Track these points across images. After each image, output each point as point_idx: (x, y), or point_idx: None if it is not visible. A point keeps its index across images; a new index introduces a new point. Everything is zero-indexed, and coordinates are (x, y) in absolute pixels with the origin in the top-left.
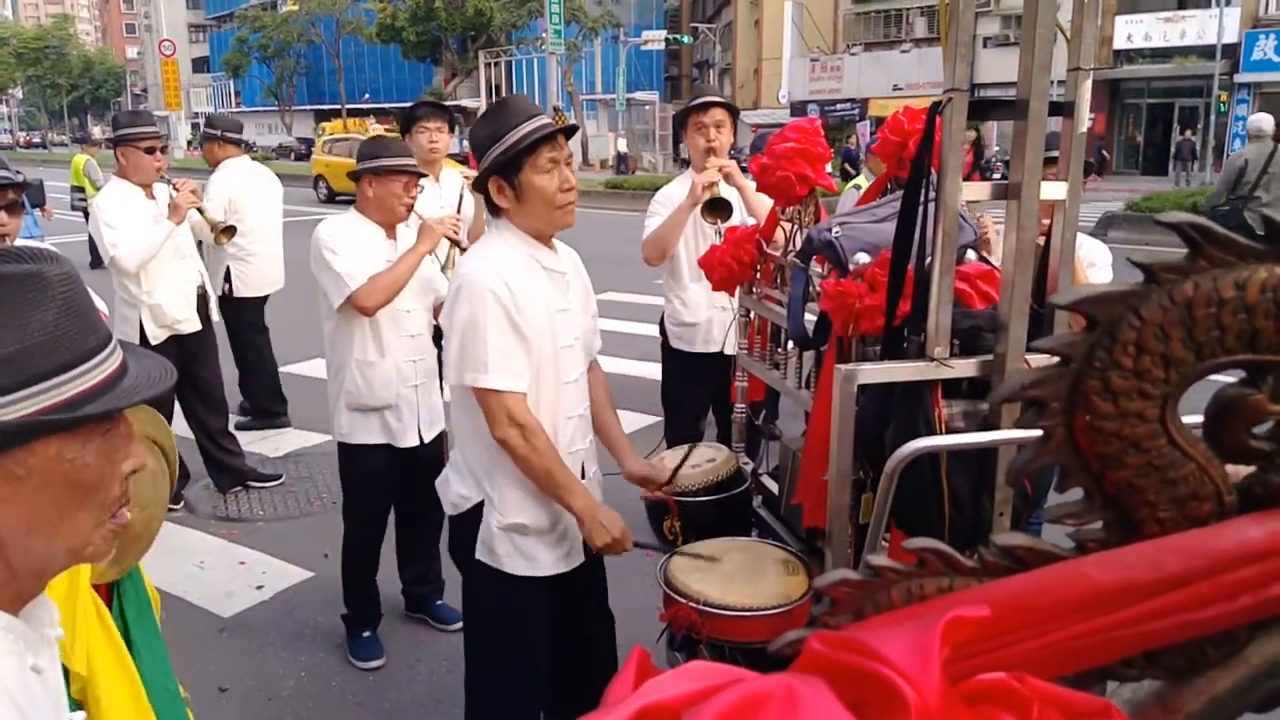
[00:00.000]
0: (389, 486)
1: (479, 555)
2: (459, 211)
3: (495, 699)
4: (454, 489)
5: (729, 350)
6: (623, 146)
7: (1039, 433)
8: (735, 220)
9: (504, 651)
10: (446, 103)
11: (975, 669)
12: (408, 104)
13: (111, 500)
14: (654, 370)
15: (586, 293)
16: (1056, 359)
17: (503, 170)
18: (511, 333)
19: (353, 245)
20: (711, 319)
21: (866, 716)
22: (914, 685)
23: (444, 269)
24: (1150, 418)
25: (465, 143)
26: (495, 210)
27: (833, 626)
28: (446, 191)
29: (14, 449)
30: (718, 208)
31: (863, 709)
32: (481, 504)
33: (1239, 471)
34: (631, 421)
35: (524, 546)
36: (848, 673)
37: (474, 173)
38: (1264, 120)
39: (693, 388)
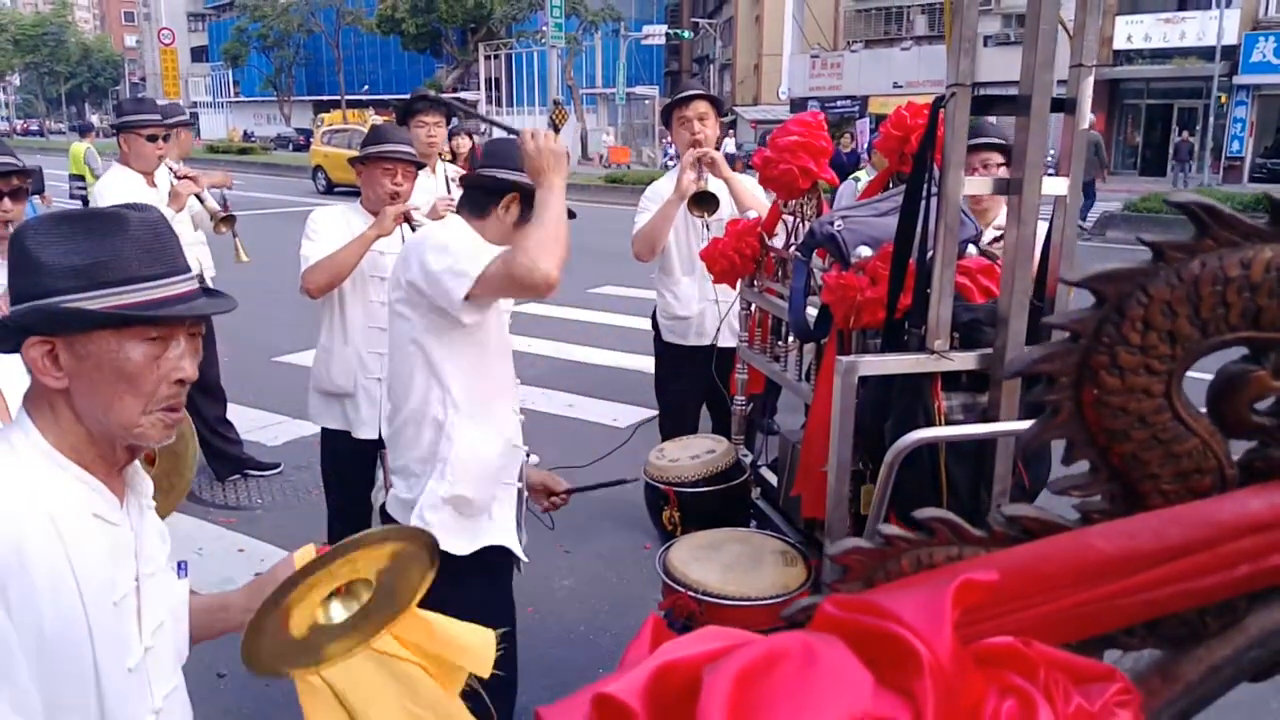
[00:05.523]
0: (355, 475)
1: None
2: (449, 194)
3: None
4: (415, 495)
5: (721, 343)
6: None
7: (1032, 423)
8: (725, 214)
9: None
10: (444, 94)
11: (984, 633)
12: (407, 96)
13: (158, 397)
14: (649, 364)
15: None
16: (1066, 334)
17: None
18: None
19: (332, 233)
20: (703, 312)
21: (881, 675)
22: (927, 644)
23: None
24: (1156, 393)
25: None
26: (480, 210)
27: (844, 593)
28: (441, 184)
29: (77, 333)
30: (704, 201)
31: (877, 668)
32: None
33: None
34: (627, 415)
35: (460, 523)
36: (861, 633)
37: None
38: None
39: (685, 380)
